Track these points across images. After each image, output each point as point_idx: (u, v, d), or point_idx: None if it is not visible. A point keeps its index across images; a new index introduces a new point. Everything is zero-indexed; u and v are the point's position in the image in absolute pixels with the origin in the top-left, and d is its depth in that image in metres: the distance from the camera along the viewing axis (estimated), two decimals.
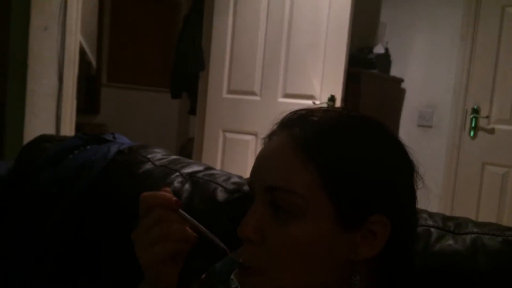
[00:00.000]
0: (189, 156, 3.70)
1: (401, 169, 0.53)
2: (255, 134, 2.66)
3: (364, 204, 0.49)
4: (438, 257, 0.64)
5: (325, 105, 2.41)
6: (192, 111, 3.34)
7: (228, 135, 2.77)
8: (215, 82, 2.79)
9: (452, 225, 0.70)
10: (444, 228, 0.69)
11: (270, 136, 0.55)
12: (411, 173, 0.54)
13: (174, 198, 0.55)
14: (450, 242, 0.65)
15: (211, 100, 2.82)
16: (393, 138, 0.55)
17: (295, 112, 0.55)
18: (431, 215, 0.72)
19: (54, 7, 2.00)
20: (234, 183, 0.94)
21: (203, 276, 0.71)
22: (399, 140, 0.55)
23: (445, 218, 0.72)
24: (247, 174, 2.53)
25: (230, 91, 2.76)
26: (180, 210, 0.56)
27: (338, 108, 0.54)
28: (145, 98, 5.27)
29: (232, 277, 0.66)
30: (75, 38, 2.05)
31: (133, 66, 5.13)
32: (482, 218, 2.67)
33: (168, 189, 0.57)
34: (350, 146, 0.50)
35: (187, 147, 4.91)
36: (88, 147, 1.25)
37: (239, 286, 0.65)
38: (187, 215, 0.56)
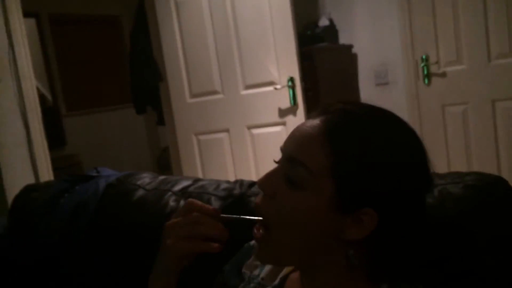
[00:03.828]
0: (167, 164, 3.74)
1: (409, 179, 0.58)
2: (227, 130, 2.73)
3: (360, 196, 0.57)
4: None
5: (286, 88, 2.50)
6: (160, 121, 3.38)
7: (201, 137, 2.83)
8: (176, 90, 2.83)
9: None
10: None
11: (311, 115, 0.63)
12: (420, 183, 0.60)
13: (212, 207, 0.68)
14: None
15: (176, 108, 2.86)
16: (412, 144, 0.60)
17: (336, 101, 0.63)
18: None
19: (2, 57, 2.00)
20: (224, 189, 1.01)
21: (217, 277, 0.80)
22: (419, 145, 0.60)
23: None
24: (227, 171, 2.61)
25: (193, 96, 2.81)
26: (222, 215, 0.67)
27: (370, 105, 0.63)
28: (108, 118, 5.24)
29: (243, 270, 0.75)
30: (31, 83, 2.06)
31: (88, 91, 5.08)
32: (452, 156, 2.84)
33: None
34: (368, 144, 0.57)
35: (163, 157, 4.93)
36: (77, 187, 1.30)
37: (250, 274, 0.74)
38: (228, 216, 0.68)
